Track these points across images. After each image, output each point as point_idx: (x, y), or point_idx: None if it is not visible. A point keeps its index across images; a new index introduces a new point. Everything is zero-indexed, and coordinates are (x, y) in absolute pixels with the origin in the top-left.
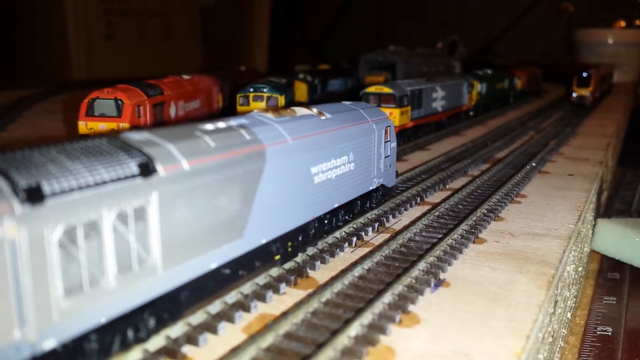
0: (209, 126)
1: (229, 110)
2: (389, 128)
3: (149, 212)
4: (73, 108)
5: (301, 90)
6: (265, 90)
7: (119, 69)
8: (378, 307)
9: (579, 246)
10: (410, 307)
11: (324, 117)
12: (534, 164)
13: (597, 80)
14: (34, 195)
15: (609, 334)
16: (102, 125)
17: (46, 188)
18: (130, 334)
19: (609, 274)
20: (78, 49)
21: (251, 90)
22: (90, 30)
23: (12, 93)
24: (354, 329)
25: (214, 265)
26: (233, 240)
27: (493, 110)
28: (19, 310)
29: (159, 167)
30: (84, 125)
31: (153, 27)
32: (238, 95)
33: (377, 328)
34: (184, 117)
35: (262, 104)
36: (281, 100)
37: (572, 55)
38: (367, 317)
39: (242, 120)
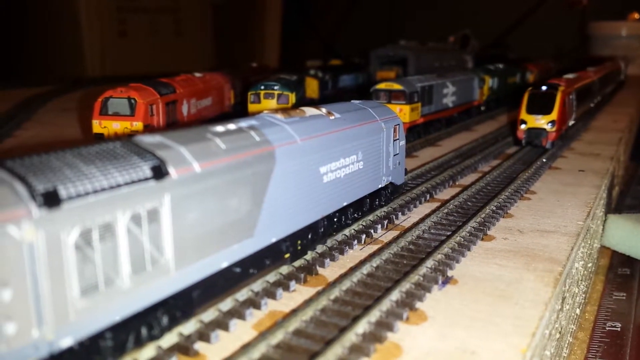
0: (220, 128)
1: (240, 107)
2: (397, 126)
3: (162, 214)
4: (87, 105)
5: (312, 86)
6: (276, 87)
7: (131, 65)
8: (386, 304)
9: (589, 242)
10: (418, 305)
11: (332, 117)
12: (544, 160)
13: (567, 100)
14: (51, 199)
15: (618, 329)
16: (115, 124)
17: (62, 192)
18: (144, 331)
19: (619, 270)
20: (91, 46)
21: (262, 87)
22: (103, 28)
23: (26, 91)
24: (362, 327)
25: (225, 264)
26: (243, 239)
27: (505, 105)
28: (37, 310)
29: (171, 170)
30: (98, 124)
31: (165, 23)
32: (249, 93)
33: (384, 325)
34: (196, 115)
35: (273, 102)
36: (292, 97)
37: (585, 48)
38: (374, 315)
39: (252, 122)
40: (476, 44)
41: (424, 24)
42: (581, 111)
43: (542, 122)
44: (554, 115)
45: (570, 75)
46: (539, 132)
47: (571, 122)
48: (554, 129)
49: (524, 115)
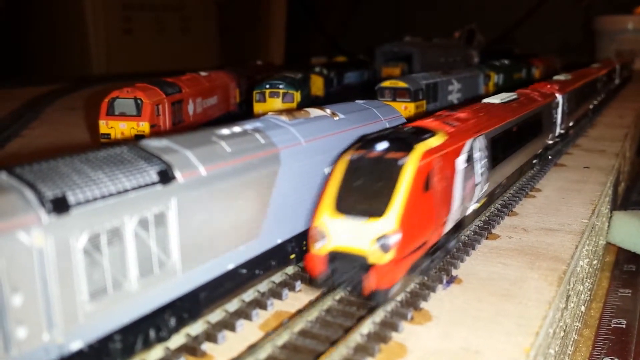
0: (225, 131)
1: (246, 106)
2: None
3: (169, 218)
4: (94, 104)
5: (317, 83)
6: (281, 86)
7: (137, 63)
8: (390, 304)
9: (594, 240)
10: (422, 304)
11: (337, 118)
12: (549, 157)
13: (438, 173)
14: (60, 206)
15: (624, 326)
16: (122, 124)
17: (71, 198)
18: (152, 333)
19: (625, 266)
20: (97, 44)
21: (267, 86)
22: (108, 25)
23: (33, 90)
24: (367, 327)
25: (231, 266)
26: (249, 241)
27: None
28: (47, 315)
29: (178, 174)
30: (104, 124)
31: (171, 21)
32: (254, 92)
33: (389, 325)
34: (202, 114)
35: (279, 100)
36: (297, 95)
37: (591, 43)
38: (379, 315)
39: (256, 124)
40: (482, 39)
41: (429, 20)
42: (516, 166)
43: (364, 235)
44: (393, 218)
45: (494, 100)
46: (353, 262)
47: (471, 207)
48: (391, 252)
49: (317, 221)
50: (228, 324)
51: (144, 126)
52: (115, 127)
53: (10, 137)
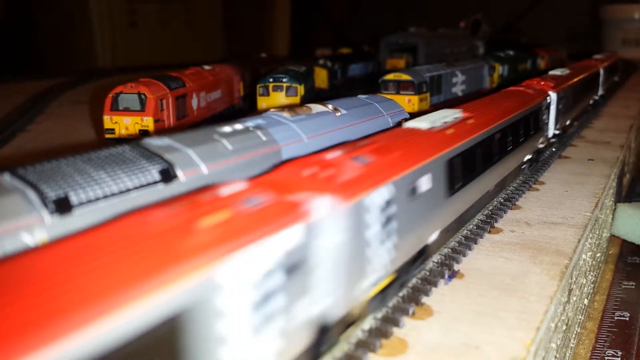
0: (227, 129)
1: (250, 99)
2: (404, 121)
3: None
4: (99, 98)
5: (321, 76)
6: (284, 80)
7: (143, 56)
8: (392, 300)
9: (597, 233)
10: (424, 299)
11: (339, 114)
12: (553, 149)
13: None
14: (62, 206)
15: (627, 319)
16: (126, 120)
17: (73, 198)
18: None
19: (629, 259)
20: (102, 38)
21: (270, 80)
22: (114, 18)
23: (38, 84)
24: (368, 322)
25: None
26: None
27: None
28: None
29: (179, 173)
30: (109, 120)
31: (175, 13)
32: (258, 86)
33: (390, 321)
34: (206, 108)
35: (282, 94)
36: (300, 89)
37: (598, 32)
38: (380, 311)
39: (258, 121)
40: (487, 29)
41: (436, 9)
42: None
43: None
44: None
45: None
46: None
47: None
48: None
49: None
50: None
51: (148, 121)
52: (119, 123)
53: (16, 132)
